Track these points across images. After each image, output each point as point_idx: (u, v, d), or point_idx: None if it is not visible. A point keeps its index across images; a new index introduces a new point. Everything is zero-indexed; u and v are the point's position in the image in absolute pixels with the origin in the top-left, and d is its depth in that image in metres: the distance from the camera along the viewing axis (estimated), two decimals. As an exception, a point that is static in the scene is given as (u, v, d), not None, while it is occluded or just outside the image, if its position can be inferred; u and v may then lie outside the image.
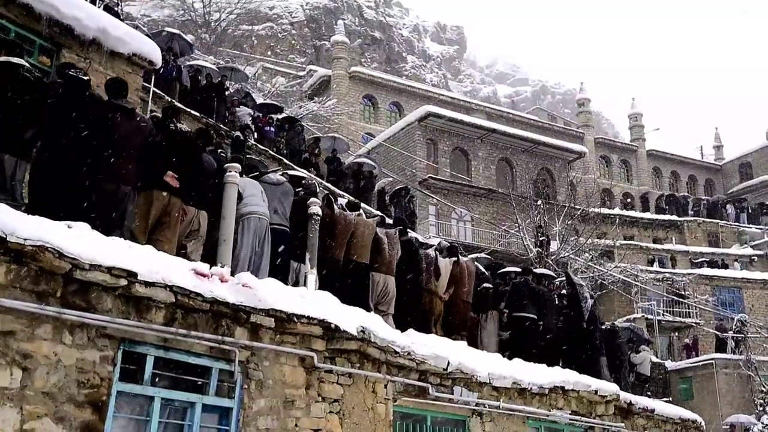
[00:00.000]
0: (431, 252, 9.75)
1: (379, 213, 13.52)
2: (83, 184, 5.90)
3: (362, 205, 15.34)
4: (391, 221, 10.88)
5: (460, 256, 10.05)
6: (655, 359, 23.02)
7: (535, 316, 10.10)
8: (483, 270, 10.93)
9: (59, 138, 5.86)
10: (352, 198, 13.70)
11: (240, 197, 7.27)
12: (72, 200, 5.78)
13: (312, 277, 7.34)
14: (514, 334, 10.15)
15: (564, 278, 11.88)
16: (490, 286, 10.56)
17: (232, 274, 5.76)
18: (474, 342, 9.74)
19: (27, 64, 6.04)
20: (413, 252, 9.20)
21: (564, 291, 11.30)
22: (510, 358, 9.03)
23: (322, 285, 7.55)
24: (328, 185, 19.47)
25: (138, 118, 6.61)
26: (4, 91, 5.56)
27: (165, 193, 6.51)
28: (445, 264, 9.61)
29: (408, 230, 9.69)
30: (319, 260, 7.80)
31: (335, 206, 8.38)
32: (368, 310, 8.05)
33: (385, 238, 8.70)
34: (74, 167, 5.87)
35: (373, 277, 8.43)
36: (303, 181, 9.15)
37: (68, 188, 5.83)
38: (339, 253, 8.12)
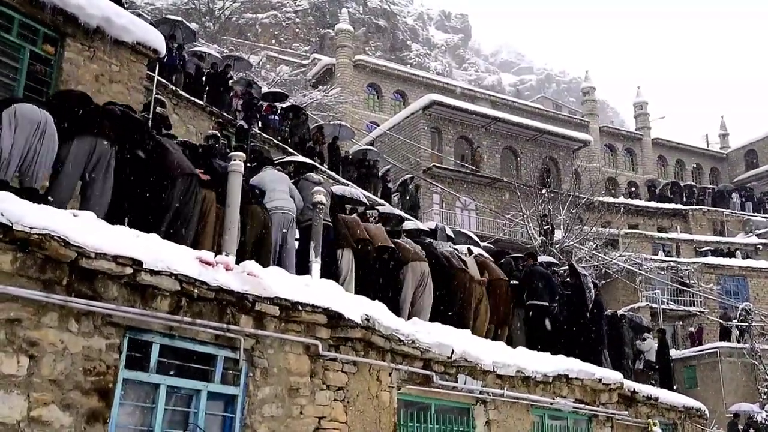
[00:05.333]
0: (449, 247, 9.85)
1: (401, 213, 13.69)
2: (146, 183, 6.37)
3: (384, 203, 15.46)
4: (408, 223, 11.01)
5: (474, 251, 10.12)
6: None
7: (548, 303, 10.09)
8: (513, 266, 10.91)
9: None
10: (358, 188, 13.72)
11: (263, 193, 7.46)
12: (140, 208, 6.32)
13: (316, 266, 7.35)
14: (528, 323, 10.15)
15: (567, 268, 11.83)
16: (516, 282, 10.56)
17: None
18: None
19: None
20: (428, 247, 9.31)
21: (568, 279, 11.27)
22: (528, 347, 9.10)
23: (359, 272, 7.97)
24: (332, 173, 19.48)
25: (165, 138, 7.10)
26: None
27: (202, 189, 6.83)
28: (468, 259, 9.69)
29: (422, 235, 9.87)
30: (350, 244, 8.13)
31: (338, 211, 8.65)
32: (401, 296, 8.20)
33: (400, 241, 8.90)
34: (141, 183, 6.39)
35: (411, 266, 8.55)
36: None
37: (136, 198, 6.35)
38: (362, 234, 8.28)
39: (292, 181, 8.38)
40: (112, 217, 5.89)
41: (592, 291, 11.05)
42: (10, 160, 5.50)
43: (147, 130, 6.70)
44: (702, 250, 34.78)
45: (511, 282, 10.25)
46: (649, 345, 15.24)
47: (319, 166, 16.83)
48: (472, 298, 9.20)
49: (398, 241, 8.87)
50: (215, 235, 6.87)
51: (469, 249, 10.37)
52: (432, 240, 10.14)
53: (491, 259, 10.29)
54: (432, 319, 8.15)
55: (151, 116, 10.73)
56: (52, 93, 6.81)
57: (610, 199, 36.85)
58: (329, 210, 8.21)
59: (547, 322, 10.05)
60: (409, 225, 11.58)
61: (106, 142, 6.12)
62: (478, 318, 9.19)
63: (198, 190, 6.69)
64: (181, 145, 7.39)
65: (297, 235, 8.21)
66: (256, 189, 7.62)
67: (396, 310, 7.65)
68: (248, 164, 7.82)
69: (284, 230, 7.60)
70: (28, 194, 5.31)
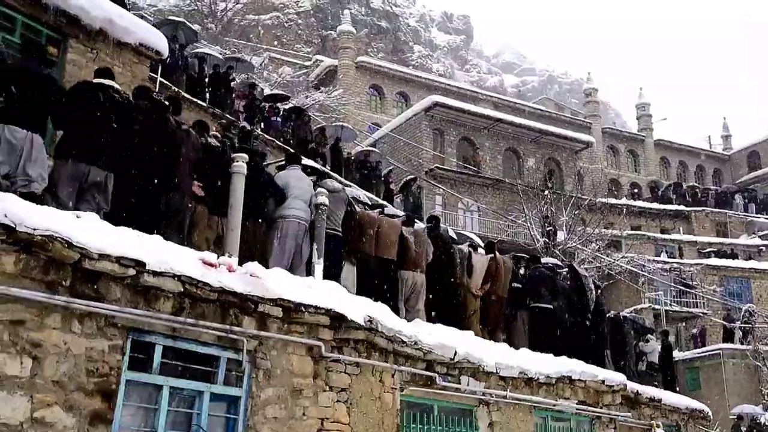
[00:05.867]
0: (465, 248, 9.81)
1: (402, 213, 13.74)
2: (154, 194, 6.43)
3: (387, 205, 15.52)
4: (417, 221, 10.99)
5: (497, 253, 10.06)
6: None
7: (552, 306, 10.10)
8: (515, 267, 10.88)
9: (137, 153, 6.39)
10: (361, 189, 13.72)
11: (284, 197, 7.54)
12: (144, 209, 6.33)
13: (319, 267, 7.36)
14: (532, 325, 10.15)
15: (567, 269, 11.79)
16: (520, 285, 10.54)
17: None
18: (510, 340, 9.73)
19: (117, 86, 6.52)
20: (446, 247, 9.27)
21: (569, 282, 11.25)
22: (532, 349, 9.10)
23: (358, 281, 8.07)
24: (336, 175, 19.45)
25: (192, 137, 7.05)
26: (96, 110, 6.04)
27: (193, 203, 6.97)
28: (481, 260, 9.64)
29: (439, 226, 9.84)
30: (352, 256, 8.19)
31: (355, 206, 8.61)
32: (398, 306, 8.21)
33: (412, 237, 8.84)
34: (147, 180, 6.41)
35: (402, 275, 8.58)
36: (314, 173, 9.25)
37: (141, 198, 6.37)
38: (369, 249, 8.32)
39: None
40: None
41: (594, 292, 11.05)
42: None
43: (169, 135, 6.61)
44: (705, 251, 34.71)
45: (513, 285, 10.24)
46: (652, 347, 15.21)
47: (321, 167, 16.81)
48: (466, 312, 9.24)
49: (407, 237, 8.78)
50: (205, 247, 6.95)
51: (490, 244, 10.30)
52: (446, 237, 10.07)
53: (509, 262, 10.20)
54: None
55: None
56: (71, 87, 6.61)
57: (613, 201, 36.80)
58: (345, 217, 8.21)
59: (551, 325, 10.03)
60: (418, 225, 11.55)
61: (100, 170, 6.02)
62: (471, 328, 9.16)
63: (188, 203, 6.77)
64: (203, 146, 7.34)
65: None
66: (278, 191, 7.64)
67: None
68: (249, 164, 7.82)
69: (299, 240, 7.62)
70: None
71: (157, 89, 12.56)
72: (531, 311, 10.11)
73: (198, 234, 7.06)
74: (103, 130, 6.06)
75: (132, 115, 6.37)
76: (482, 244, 13.21)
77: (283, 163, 8.59)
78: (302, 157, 9.47)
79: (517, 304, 10.22)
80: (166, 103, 6.96)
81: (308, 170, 8.98)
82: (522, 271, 10.93)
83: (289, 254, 7.50)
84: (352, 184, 18.84)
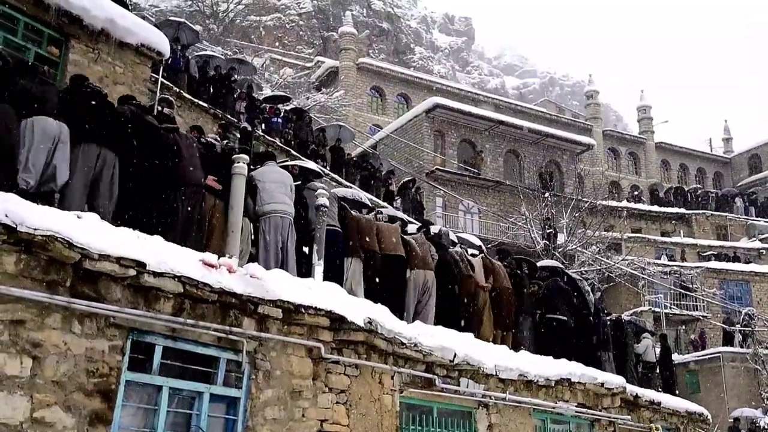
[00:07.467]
0: (459, 249, 9.86)
1: (403, 216, 13.74)
2: (153, 191, 6.48)
3: (387, 206, 15.47)
4: (411, 226, 11.03)
5: (485, 253, 10.18)
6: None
7: (565, 318, 10.14)
8: (525, 272, 10.90)
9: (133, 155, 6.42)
10: (361, 191, 13.73)
11: (254, 188, 7.48)
12: (151, 209, 6.41)
13: (319, 269, 7.35)
14: (545, 335, 10.19)
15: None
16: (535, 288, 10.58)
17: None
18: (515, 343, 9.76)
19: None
20: (442, 249, 9.31)
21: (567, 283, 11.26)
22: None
23: (365, 279, 8.03)
24: (335, 176, 19.48)
25: (186, 137, 7.10)
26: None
27: (211, 197, 6.93)
28: (475, 259, 9.71)
29: (431, 230, 9.90)
30: (360, 251, 8.15)
31: (347, 208, 8.61)
32: (406, 306, 8.26)
33: (413, 241, 8.88)
34: (150, 179, 6.47)
35: (412, 274, 8.53)
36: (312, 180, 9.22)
37: (148, 199, 6.43)
38: (373, 245, 8.28)
39: (296, 183, 8.36)
40: (120, 222, 5.91)
41: (591, 294, 11.09)
42: (32, 172, 5.57)
43: (158, 134, 6.66)
44: (705, 254, 34.66)
45: (525, 289, 10.26)
46: (645, 345, 15.13)
47: (321, 169, 16.83)
48: (478, 305, 9.22)
49: (409, 240, 8.81)
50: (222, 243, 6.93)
51: (480, 248, 10.41)
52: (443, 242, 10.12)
53: (499, 263, 10.27)
54: (438, 325, 8.14)
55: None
56: (70, 79, 6.73)
57: (613, 203, 36.73)
58: (337, 215, 8.21)
59: (564, 336, 10.08)
60: (411, 229, 11.56)
61: (111, 152, 6.11)
62: (482, 324, 9.20)
63: (203, 200, 6.76)
64: (204, 146, 7.37)
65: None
66: (253, 186, 7.64)
67: (402, 316, 7.65)
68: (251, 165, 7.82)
69: (284, 235, 7.56)
70: (45, 199, 5.36)
71: (158, 90, 12.54)
72: (546, 322, 10.16)
73: (216, 232, 6.98)
74: (105, 121, 6.16)
75: (119, 117, 6.42)
76: (478, 243, 13.29)
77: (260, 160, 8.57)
78: (275, 155, 9.50)
79: (528, 309, 10.26)
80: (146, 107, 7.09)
81: (293, 169, 8.97)
82: (526, 272, 10.96)
83: (276, 249, 7.43)
84: (352, 185, 18.86)
